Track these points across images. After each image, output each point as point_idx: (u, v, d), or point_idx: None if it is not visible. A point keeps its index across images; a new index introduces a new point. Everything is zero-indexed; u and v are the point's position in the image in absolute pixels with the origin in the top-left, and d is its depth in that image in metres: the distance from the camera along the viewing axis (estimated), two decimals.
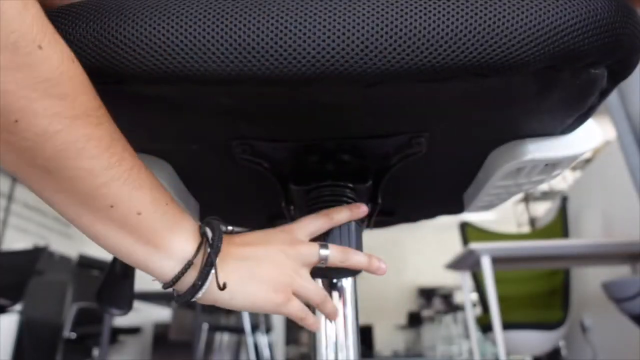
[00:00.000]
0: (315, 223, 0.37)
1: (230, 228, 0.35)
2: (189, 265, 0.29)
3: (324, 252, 0.35)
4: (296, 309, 0.34)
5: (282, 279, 0.33)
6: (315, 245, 0.35)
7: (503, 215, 5.26)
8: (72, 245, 4.60)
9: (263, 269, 0.32)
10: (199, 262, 0.30)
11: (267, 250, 0.33)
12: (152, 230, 0.28)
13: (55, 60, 0.23)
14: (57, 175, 0.25)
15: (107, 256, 0.33)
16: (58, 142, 0.24)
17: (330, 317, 0.39)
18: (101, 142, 0.25)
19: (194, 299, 0.30)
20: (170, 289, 0.31)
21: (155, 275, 0.30)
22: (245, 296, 0.32)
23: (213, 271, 0.30)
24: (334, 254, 0.35)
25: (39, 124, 0.23)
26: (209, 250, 0.30)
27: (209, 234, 0.31)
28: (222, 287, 0.30)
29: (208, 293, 0.30)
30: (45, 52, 0.22)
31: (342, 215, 0.38)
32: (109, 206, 0.26)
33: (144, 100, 0.30)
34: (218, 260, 0.30)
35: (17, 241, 3.70)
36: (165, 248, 0.29)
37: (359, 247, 0.40)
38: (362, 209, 0.39)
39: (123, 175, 0.26)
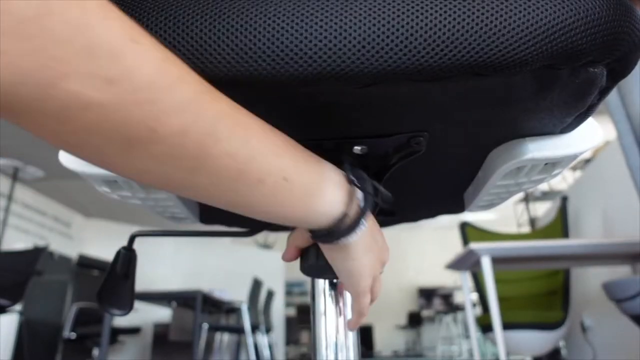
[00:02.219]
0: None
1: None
2: (343, 217, 0.30)
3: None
4: (368, 302, 0.37)
5: (377, 271, 0.36)
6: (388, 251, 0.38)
7: (503, 215, 5.26)
8: (72, 245, 4.60)
9: (376, 255, 0.35)
10: (352, 212, 0.31)
11: (383, 241, 0.37)
12: (302, 194, 0.28)
13: (152, 48, 0.21)
14: (203, 170, 0.24)
15: (107, 256, 0.33)
16: (195, 135, 0.22)
17: (362, 315, 0.40)
18: (227, 119, 0.24)
19: (331, 243, 0.32)
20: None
21: (311, 228, 0.32)
22: (358, 265, 0.34)
23: (363, 225, 0.31)
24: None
25: (173, 122, 0.21)
26: (362, 202, 0.31)
27: (357, 184, 0.31)
28: (352, 246, 0.33)
29: (344, 243, 0.32)
30: (142, 44, 0.20)
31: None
32: (258, 181, 0.26)
33: None
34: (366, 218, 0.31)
35: (17, 241, 3.71)
36: (318, 208, 0.29)
37: None
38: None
39: (258, 146, 0.26)
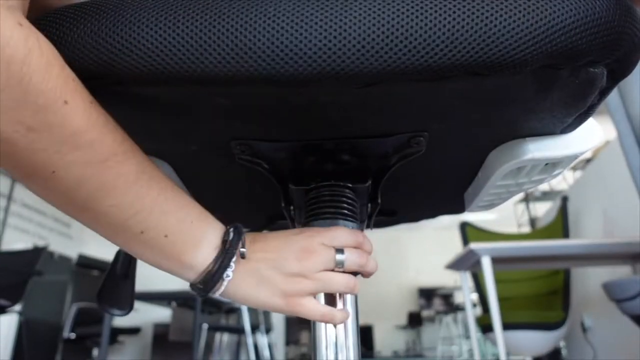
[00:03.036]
0: (343, 237, 0.38)
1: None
2: (208, 275, 0.33)
3: (339, 257, 0.36)
4: (309, 310, 0.36)
5: (292, 286, 0.35)
6: (331, 250, 0.36)
7: (503, 215, 5.26)
8: (72, 245, 4.60)
9: (273, 277, 0.35)
10: (215, 271, 0.33)
11: (281, 257, 0.35)
12: (178, 250, 0.32)
13: (79, 110, 0.25)
14: (92, 211, 0.28)
15: (107, 256, 0.34)
16: (91, 186, 0.26)
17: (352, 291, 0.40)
18: (129, 177, 0.28)
19: (212, 296, 0.34)
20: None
21: (183, 278, 0.34)
22: (256, 299, 0.35)
23: (226, 277, 0.33)
24: (351, 258, 0.37)
25: (73, 173, 0.25)
26: (221, 261, 0.33)
27: (229, 242, 0.34)
28: (232, 292, 0.34)
29: (225, 292, 0.34)
30: (71, 106, 0.24)
31: (368, 245, 0.39)
32: (140, 232, 0.30)
33: (143, 101, 0.30)
34: (235, 267, 0.33)
35: (16, 241, 3.71)
36: (188, 264, 0.33)
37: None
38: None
39: (150, 203, 0.29)
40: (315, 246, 0.36)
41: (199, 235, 0.33)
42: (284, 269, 0.35)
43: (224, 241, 0.34)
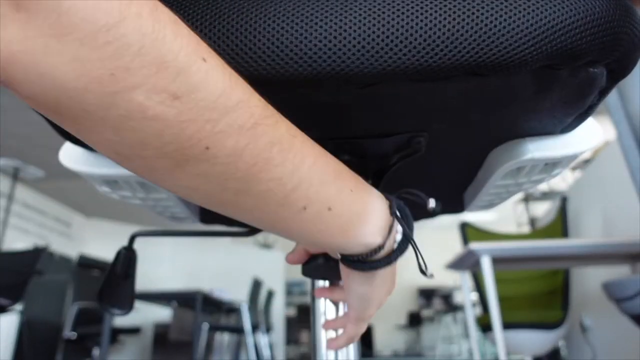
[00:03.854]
0: None
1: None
2: (378, 250, 0.30)
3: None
4: (365, 328, 0.38)
5: (386, 296, 0.36)
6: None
7: (503, 215, 5.26)
8: (72, 245, 4.60)
9: (391, 281, 0.36)
10: (389, 246, 0.31)
11: (393, 272, 0.36)
12: (344, 224, 0.28)
13: (220, 67, 0.21)
14: (249, 193, 0.24)
15: (107, 256, 0.33)
16: (248, 158, 0.22)
17: (352, 340, 0.41)
18: (283, 145, 0.24)
19: (365, 271, 0.32)
20: None
21: (347, 254, 0.32)
22: (376, 293, 0.35)
23: (393, 261, 0.32)
24: None
25: (228, 143, 0.21)
26: (399, 236, 0.31)
27: (399, 215, 0.31)
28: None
29: (374, 272, 0.33)
30: (210, 63, 0.20)
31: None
32: (302, 208, 0.26)
33: None
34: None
35: (17, 241, 3.71)
36: (357, 238, 0.29)
37: None
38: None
39: (309, 173, 0.25)
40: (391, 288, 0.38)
41: (362, 204, 0.29)
42: (390, 285, 0.36)
43: (391, 212, 0.31)
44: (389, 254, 0.31)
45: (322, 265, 0.40)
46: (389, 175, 0.42)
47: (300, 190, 0.25)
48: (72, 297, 3.40)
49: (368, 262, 0.31)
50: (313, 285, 0.46)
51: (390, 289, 0.36)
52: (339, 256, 0.32)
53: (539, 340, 2.15)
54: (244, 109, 0.21)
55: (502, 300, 2.21)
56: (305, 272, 0.41)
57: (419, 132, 0.36)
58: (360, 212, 0.29)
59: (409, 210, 0.32)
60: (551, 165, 0.41)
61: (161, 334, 4.14)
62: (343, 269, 0.34)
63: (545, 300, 2.46)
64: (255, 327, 3.50)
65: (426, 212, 0.61)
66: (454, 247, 2.67)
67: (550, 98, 0.31)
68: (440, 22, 0.25)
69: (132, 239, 0.46)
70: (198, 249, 5.38)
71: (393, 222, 0.30)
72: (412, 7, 0.26)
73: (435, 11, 0.25)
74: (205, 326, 3.10)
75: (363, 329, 0.38)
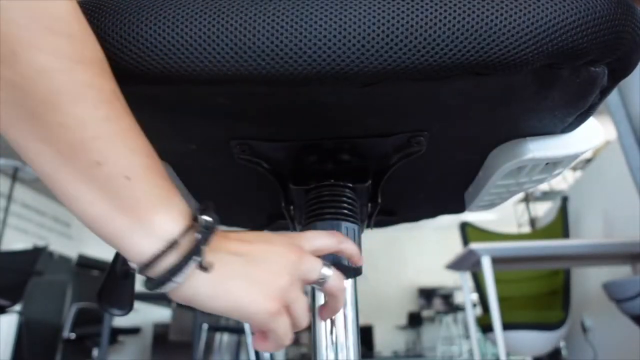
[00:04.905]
0: (323, 240, 0.33)
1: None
2: (172, 244, 0.24)
3: (326, 271, 0.31)
4: (284, 326, 0.28)
5: (280, 284, 0.27)
6: (319, 261, 0.31)
7: (503, 215, 5.26)
8: (71, 245, 4.60)
9: (260, 270, 0.27)
10: (185, 245, 0.25)
11: (268, 250, 0.28)
12: (138, 199, 0.24)
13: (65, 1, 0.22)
14: (44, 120, 0.22)
15: (107, 256, 0.33)
16: (55, 83, 0.21)
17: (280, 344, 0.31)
18: (102, 93, 0.23)
19: (166, 287, 0.25)
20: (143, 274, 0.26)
21: (127, 253, 0.25)
22: (231, 297, 0.26)
23: (198, 257, 0.25)
24: (334, 279, 0.31)
25: (39, 59, 0.21)
26: (198, 235, 0.25)
27: (203, 217, 0.26)
28: (205, 268, 0.25)
29: (186, 285, 0.25)
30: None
31: (350, 249, 0.35)
32: (96, 162, 0.23)
33: (142, 100, 0.30)
34: (208, 250, 0.25)
35: (16, 241, 3.71)
36: (149, 222, 0.24)
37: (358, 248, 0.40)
38: (359, 262, 0.36)
39: (119, 133, 0.23)
40: (301, 250, 0.30)
41: (166, 193, 0.25)
42: (270, 267, 0.28)
43: (194, 217, 0.26)
44: (188, 253, 0.25)
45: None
46: (389, 175, 0.42)
47: (101, 142, 0.23)
48: (71, 298, 3.39)
49: (160, 276, 0.24)
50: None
51: (289, 274, 0.28)
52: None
53: (539, 340, 2.15)
54: (75, 42, 0.22)
55: (503, 301, 2.21)
56: None
57: (419, 132, 0.36)
58: (163, 198, 0.25)
59: (217, 219, 0.27)
60: (552, 165, 0.41)
61: (161, 334, 4.14)
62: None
63: (545, 301, 2.45)
64: None
65: (427, 212, 0.61)
66: (454, 247, 2.66)
67: (551, 97, 0.31)
68: (440, 21, 0.25)
69: None
70: None
71: (194, 224, 0.26)
72: (413, 6, 0.25)
73: (436, 10, 0.25)
74: (205, 326, 3.10)
75: (280, 328, 0.28)
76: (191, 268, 0.25)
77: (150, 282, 0.25)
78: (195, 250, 0.25)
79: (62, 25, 0.21)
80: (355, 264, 0.36)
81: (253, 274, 0.27)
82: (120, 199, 0.24)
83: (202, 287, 0.26)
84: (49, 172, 0.23)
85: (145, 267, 0.25)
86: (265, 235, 0.30)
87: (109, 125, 0.23)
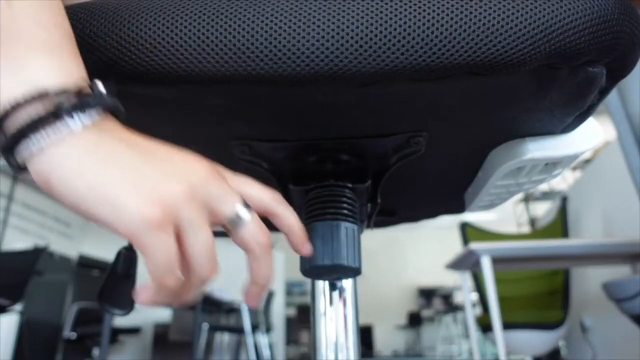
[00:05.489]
0: (256, 190, 0.26)
1: None
2: (42, 94, 0.19)
3: (241, 211, 0.24)
4: (164, 250, 0.20)
5: (171, 189, 0.21)
6: (237, 196, 0.24)
7: (503, 215, 5.26)
8: (72, 245, 4.60)
9: (151, 167, 0.21)
10: (57, 100, 0.20)
11: (174, 154, 0.23)
12: (15, 32, 0.19)
13: None
14: None
15: (107, 256, 0.33)
16: None
17: (299, 247, 0.28)
18: None
19: (21, 149, 0.19)
20: None
21: None
22: (100, 185, 0.19)
23: (72, 119, 0.19)
24: (251, 226, 0.24)
25: None
26: (81, 99, 0.20)
27: (100, 86, 0.21)
28: (51, 155, 0.19)
29: (47, 153, 0.19)
30: None
31: (288, 222, 0.28)
32: None
33: (141, 100, 0.30)
34: (89, 124, 0.20)
35: (17, 241, 3.71)
36: (20, 62, 0.20)
37: (357, 248, 0.40)
38: (306, 249, 0.30)
39: None
40: (219, 174, 0.24)
41: (59, 45, 0.21)
42: (170, 161, 0.22)
43: (88, 84, 0.21)
44: (40, 119, 0.19)
45: (326, 267, 0.40)
46: (389, 175, 0.42)
47: None
48: (71, 297, 3.39)
49: (17, 131, 0.19)
50: (313, 285, 0.46)
51: (159, 170, 0.21)
52: None
53: (539, 340, 2.15)
54: None
55: (502, 301, 2.21)
56: (305, 273, 0.41)
57: (418, 132, 0.36)
58: (49, 43, 0.20)
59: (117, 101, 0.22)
60: (552, 165, 0.41)
61: (161, 334, 4.14)
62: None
63: (545, 301, 2.45)
64: (255, 327, 3.49)
65: (427, 213, 0.61)
66: (454, 247, 2.66)
67: (550, 97, 0.31)
68: (438, 21, 0.25)
69: None
70: None
71: (84, 86, 0.21)
72: (410, 7, 0.26)
73: (433, 10, 0.25)
74: (205, 326, 3.10)
75: (157, 245, 0.20)
76: (58, 129, 0.19)
77: (4, 140, 0.19)
78: (69, 109, 0.19)
79: None
80: (296, 245, 0.29)
81: (140, 169, 0.20)
82: None
83: (65, 160, 0.19)
84: None
85: (4, 117, 0.19)
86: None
87: None
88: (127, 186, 0.20)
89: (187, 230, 0.21)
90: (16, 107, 0.19)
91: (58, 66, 0.20)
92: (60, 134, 0.19)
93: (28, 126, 0.19)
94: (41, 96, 0.19)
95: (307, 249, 0.29)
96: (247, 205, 0.24)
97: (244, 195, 0.25)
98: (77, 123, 0.20)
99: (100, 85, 0.22)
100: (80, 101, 0.20)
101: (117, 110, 0.22)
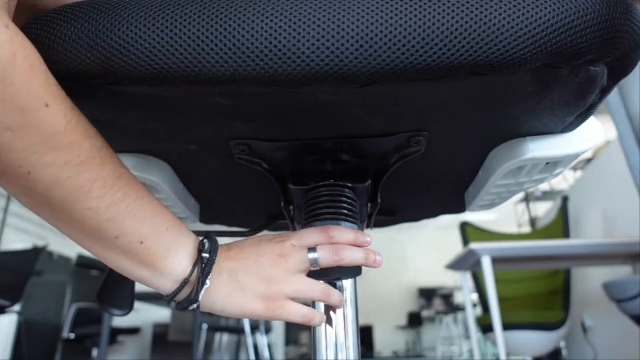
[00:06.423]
0: (313, 237, 0.38)
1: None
2: (184, 284, 0.33)
3: (312, 255, 0.36)
4: (290, 313, 0.36)
5: (271, 290, 0.35)
6: (303, 250, 0.36)
7: (504, 215, 5.26)
8: (71, 245, 4.60)
9: (251, 282, 0.35)
10: (194, 279, 0.33)
11: (258, 263, 0.36)
12: (153, 256, 0.32)
13: (61, 114, 0.25)
14: (67, 214, 0.28)
15: None
16: (67, 188, 0.26)
17: (338, 307, 0.41)
18: (106, 183, 0.28)
19: (191, 309, 0.34)
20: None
21: (157, 290, 0.34)
22: (235, 307, 0.35)
23: (205, 285, 0.33)
24: (324, 255, 0.37)
25: (50, 174, 0.26)
26: (203, 267, 0.33)
27: (206, 253, 0.34)
28: (211, 302, 0.34)
29: (203, 304, 0.34)
30: (52, 109, 0.24)
31: (343, 236, 0.38)
32: (114, 237, 0.30)
33: (141, 100, 0.30)
34: (212, 276, 0.34)
35: (16, 241, 3.71)
36: (164, 271, 0.33)
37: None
38: (367, 240, 0.39)
39: (127, 209, 0.29)
40: (287, 249, 0.36)
41: (174, 242, 0.33)
42: (261, 274, 0.35)
43: (200, 250, 0.34)
44: (195, 288, 0.33)
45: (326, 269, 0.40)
46: (389, 175, 0.42)
47: (116, 222, 0.29)
48: (71, 298, 3.40)
49: (183, 302, 0.33)
50: None
51: (266, 288, 0.35)
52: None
53: (539, 340, 2.15)
54: (72, 150, 0.26)
55: (503, 301, 2.21)
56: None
57: (418, 132, 0.36)
58: (171, 247, 0.33)
59: (216, 249, 0.35)
60: (552, 165, 0.41)
61: (161, 334, 4.14)
62: None
63: (546, 301, 2.45)
64: (254, 328, 3.49)
65: (427, 213, 0.61)
66: (454, 247, 2.66)
67: (551, 97, 0.31)
68: (439, 21, 0.25)
69: None
70: None
71: (199, 259, 0.34)
72: (411, 6, 0.25)
73: (434, 10, 0.25)
74: (204, 327, 3.10)
75: (288, 312, 0.36)
76: (201, 294, 0.33)
77: (178, 306, 0.34)
78: (203, 281, 0.33)
79: (62, 139, 0.25)
80: (361, 245, 0.39)
81: (248, 285, 0.35)
82: (140, 259, 0.32)
83: (214, 304, 0.35)
84: (84, 244, 0.31)
85: (170, 299, 0.34)
86: (258, 245, 0.37)
87: (117, 207, 0.29)
88: (246, 302, 0.35)
89: (300, 294, 0.37)
90: (175, 294, 0.34)
91: (182, 257, 0.34)
92: (204, 294, 0.34)
93: (186, 302, 0.34)
94: (184, 284, 0.33)
95: (366, 243, 0.40)
96: (311, 249, 0.37)
97: (309, 244, 0.38)
98: (211, 279, 0.34)
99: (206, 244, 0.35)
100: (204, 272, 0.34)
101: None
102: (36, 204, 0.28)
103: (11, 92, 0.22)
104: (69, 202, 0.27)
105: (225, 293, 0.34)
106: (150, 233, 0.31)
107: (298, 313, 0.36)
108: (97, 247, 0.31)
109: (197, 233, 0.36)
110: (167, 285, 0.33)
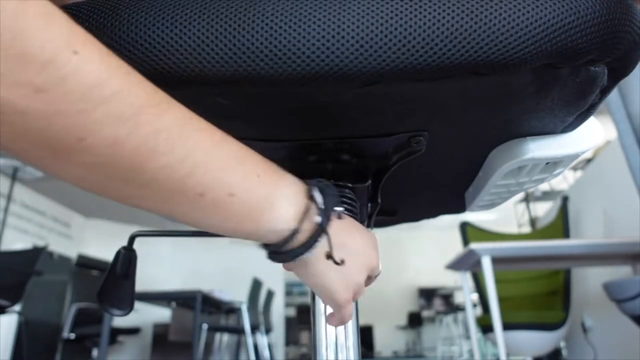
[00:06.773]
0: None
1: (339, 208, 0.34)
2: (294, 233, 0.28)
3: (379, 269, 0.37)
4: (349, 313, 0.34)
5: (359, 281, 0.33)
6: (380, 264, 0.36)
7: (504, 215, 5.26)
8: (71, 245, 4.60)
9: (352, 266, 0.32)
10: (307, 228, 0.29)
11: (364, 250, 0.34)
12: (248, 210, 0.27)
13: (96, 58, 0.21)
14: (138, 182, 0.23)
15: (106, 256, 0.33)
16: (130, 147, 0.22)
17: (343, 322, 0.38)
18: (171, 132, 0.23)
19: (287, 260, 0.30)
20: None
21: (263, 243, 0.30)
22: (326, 281, 0.32)
23: (320, 241, 0.29)
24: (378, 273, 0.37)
25: (105, 135, 0.21)
26: (318, 218, 0.29)
27: (318, 198, 0.29)
28: (333, 259, 0.31)
29: (301, 260, 0.30)
30: (82, 55, 0.20)
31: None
32: (199, 195, 0.25)
33: None
34: (329, 237, 0.30)
35: (16, 241, 3.71)
36: (267, 224, 0.28)
37: None
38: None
39: (203, 158, 0.24)
40: (376, 260, 0.36)
41: (271, 190, 0.28)
42: (361, 265, 0.33)
43: (310, 197, 0.29)
44: (309, 239, 0.29)
45: None
46: (389, 175, 0.42)
47: (195, 176, 0.24)
48: (71, 298, 3.40)
49: (285, 252, 0.29)
50: None
51: (361, 265, 0.33)
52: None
53: (539, 340, 2.15)
54: (122, 99, 0.21)
55: (503, 301, 2.21)
56: None
57: (418, 132, 0.36)
58: (268, 196, 0.27)
59: (334, 189, 0.30)
60: (552, 165, 0.41)
61: (160, 334, 4.14)
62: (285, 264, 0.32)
63: (546, 301, 2.45)
64: (254, 328, 3.49)
65: (427, 212, 0.61)
66: (454, 247, 2.66)
67: (551, 97, 0.31)
68: (439, 21, 0.25)
69: (131, 239, 0.46)
70: (198, 249, 5.38)
71: (310, 206, 0.29)
72: (411, 7, 0.25)
73: (435, 10, 0.25)
74: (204, 326, 3.10)
75: (347, 313, 0.35)
76: (313, 251, 0.29)
77: (277, 256, 0.30)
78: (315, 239, 0.29)
79: (105, 88, 0.21)
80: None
81: (347, 269, 0.32)
82: (234, 215, 0.27)
83: (310, 267, 0.31)
84: (168, 213, 0.26)
85: (275, 250, 0.29)
86: (365, 232, 0.35)
87: (191, 159, 0.24)
88: (338, 284, 0.32)
89: (359, 294, 0.35)
90: (282, 246, 0.29)
91: (286, 206, 0.28)
92: (314, 250, 0.30)
93: (290, 254, 0.29)
94: (296, 234, 0.28)
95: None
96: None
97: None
98: (320, 242, 0.29)
99: (318, 197, 0.30)
100: (322, 222, 0.29)
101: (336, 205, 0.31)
102: (102, 180, 0.23)
103: (29, 45, 0.18)
104: (138, 163, 0.22)
105: (327, 264, 0.31)
106: (240, 183, 0.26)
107: (350, 314, 0.35)
108: (185, 211, 0.26)
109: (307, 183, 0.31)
110: (273, 238, 0.28)
